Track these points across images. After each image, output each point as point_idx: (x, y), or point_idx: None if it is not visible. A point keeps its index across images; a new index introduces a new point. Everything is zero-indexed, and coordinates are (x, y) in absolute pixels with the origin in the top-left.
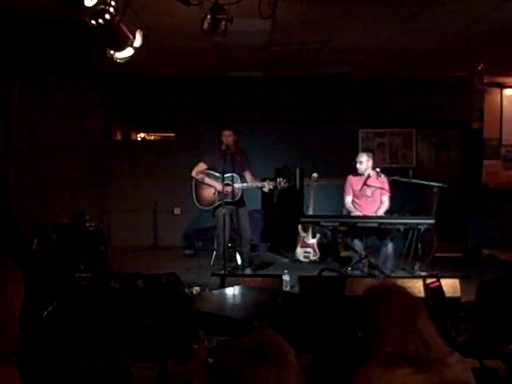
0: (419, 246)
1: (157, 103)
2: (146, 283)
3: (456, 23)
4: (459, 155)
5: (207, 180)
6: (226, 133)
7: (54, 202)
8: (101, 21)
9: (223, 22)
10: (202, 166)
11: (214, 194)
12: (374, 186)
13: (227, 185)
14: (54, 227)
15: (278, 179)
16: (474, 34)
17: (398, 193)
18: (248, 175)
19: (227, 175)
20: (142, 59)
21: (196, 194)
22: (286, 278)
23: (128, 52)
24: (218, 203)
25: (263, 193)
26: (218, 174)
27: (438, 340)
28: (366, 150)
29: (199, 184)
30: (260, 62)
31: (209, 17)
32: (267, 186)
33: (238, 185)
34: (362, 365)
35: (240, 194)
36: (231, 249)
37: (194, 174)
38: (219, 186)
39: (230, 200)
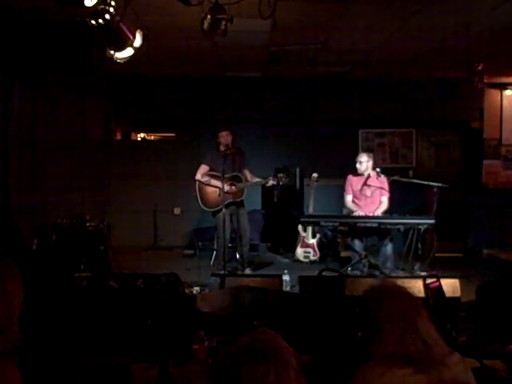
0: (419, 246)
1: (157, 103)
2: (145, 283)
3: (456, 23)
4: (459, 155)
5: (213, 182)
6: (224, 133)
7: (54, 202)
8: (101, 21)
9: (223, 22)
10: (204, 168)
11: (219, 195)
12: (373, 186)
13: (232, 185)
14: (54, 227)
15: (279, 175)
16: (473, 34)
17: (397, 193)
18: (247, 173)
19: (230, 175)
20: (142, 59)
21: (201, 197)
22: (286, 277)
23: (128, 52)
24: (225, 203)
25: (263, 193)
26: (221, 175)
27: (438, 340)
28: (366, 150)
29: (203, 186)
30: (260, 61)
31: (209, 17)
32: (271, 182)
33: (242, 184)
34: (361, 365)
35: (245, 192)
36: (231, 249)
37: (198, 177)
38: (226, 187)
39: (236, 200)
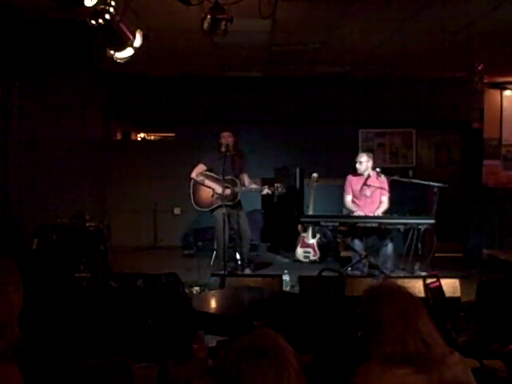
0: (419, 246)
1: (157, 103)
2: (145, 283)
3: (456, 23)
4: (459, 155)
5: (207, 182)
6: (226, 134)
7: (54, 202)
8: (101, 21)
9: (223, 22)
10: (201, 168)
11: (213, 196)
12: (373, 186)
13: (226, 187)
14: (54, 227)
15: (276, 185)
16: (474, 34)
17: (397, 193)
18: (246, 178)
19: (226, 178)
20: (142, 59)
21: (194, 195)
22: (285, 277)
23: (128, 52)
24: (216, 205)
25: None
26: (217, 176)
27: (438, 340)
28: (366, 150)
29: (197, 185)
30: (260, 62)
31: (209, 17)
32: (265, 191)
33: (237, 188)
34: (361, 365)
35: (239, 197)
36: (231, 249)
37: (194, 175)
38: (219, 189)
39: (229, 203)
